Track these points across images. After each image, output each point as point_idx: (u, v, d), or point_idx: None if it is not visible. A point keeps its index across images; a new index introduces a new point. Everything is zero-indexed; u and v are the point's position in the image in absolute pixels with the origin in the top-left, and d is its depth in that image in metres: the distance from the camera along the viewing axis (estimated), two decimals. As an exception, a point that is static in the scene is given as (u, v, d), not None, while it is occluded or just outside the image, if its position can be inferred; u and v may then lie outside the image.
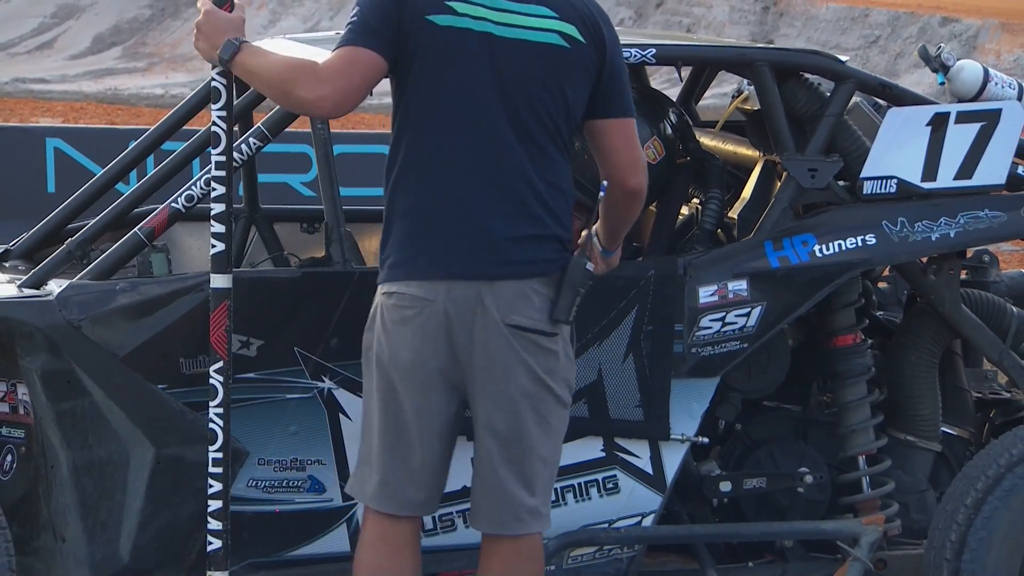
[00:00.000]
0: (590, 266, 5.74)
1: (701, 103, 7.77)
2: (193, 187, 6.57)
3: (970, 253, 7.36)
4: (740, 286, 6.65)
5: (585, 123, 5.79)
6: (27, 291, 6.59)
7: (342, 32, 5.76)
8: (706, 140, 7.31)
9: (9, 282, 6.79)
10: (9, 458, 6.59)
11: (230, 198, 6.11)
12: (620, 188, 5.82)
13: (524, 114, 5.72)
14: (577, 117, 5.78)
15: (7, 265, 7.15)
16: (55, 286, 6.54)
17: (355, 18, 5.71)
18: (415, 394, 5.80)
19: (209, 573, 6.14)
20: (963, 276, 7.31)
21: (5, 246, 7.36)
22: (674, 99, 7.51)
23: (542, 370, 5.75)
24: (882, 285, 7.23)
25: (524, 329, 5.72)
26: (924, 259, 6.95)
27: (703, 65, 7.68)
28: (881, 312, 7.21)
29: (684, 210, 7.15)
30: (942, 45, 7.41)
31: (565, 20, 5.70)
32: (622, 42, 6.84)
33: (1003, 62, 34.83)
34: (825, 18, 36.17)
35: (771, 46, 7.44)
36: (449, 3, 5.66)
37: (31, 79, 34.35)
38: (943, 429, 7.13)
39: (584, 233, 5.92)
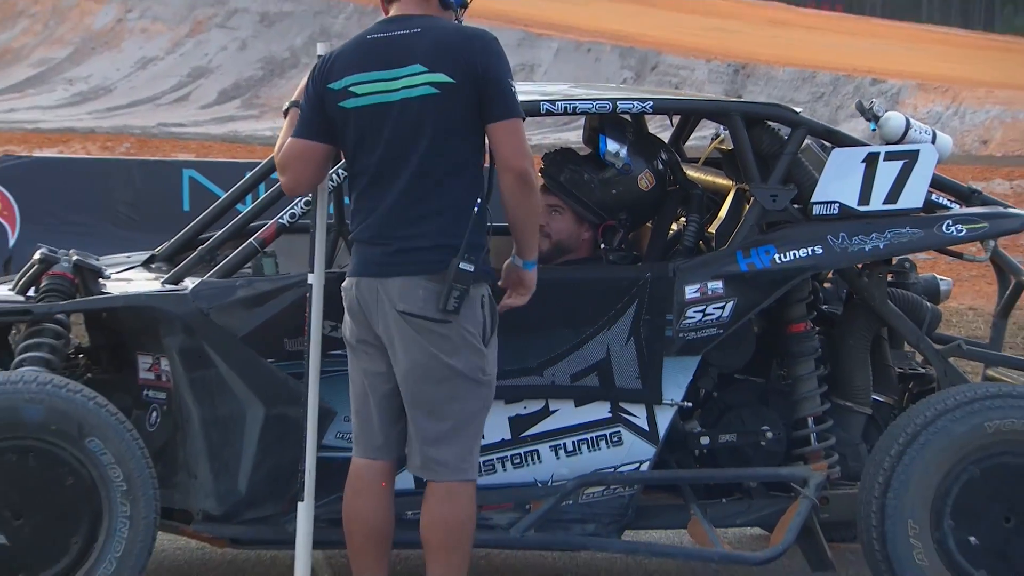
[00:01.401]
0: (467, 266, 5.68)
1: (688, 143, 7.74)
2: (295, 207, 6.60)
3: (895, 261, 7.33)
4: (717, 285, 6.62)
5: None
6: (168, 287, 6.61)
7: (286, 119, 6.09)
8: (691, 172, 7.27)
9: (154, 280, 6.80)
10: (155, 415, 6.59)
11: (323, 216, 6.16)
12: (507, 171, 5.73)
13: (415, 150, 5.76)
14: (468, 135, 5.79)
15: (152, 267, 7.16)
16: (189, 283, 6.56)
17: (301, 110, 5.99)
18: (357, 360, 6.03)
19: (299, 503, 6.18)
20: (889, 278, 7.28)
21: (151, 252, 7.36)
22: (666, 140, 7.49)
23: (434, 348, 5.77)
24: (827, 285, 7.19)
25: (412, 315, 5.76)
26: (860, 265, 6.92)
27: (689, 114, 7.65)
28: (826, 305, 7.16)
29: (674, 226, 7.11)
30: (874, 100, 7.37)
31: (434, 71, 5.71)
32: (628, 97, 6.86)
33: (919, 113, 34.76)
34: (782, 79, 36.14)
35: (741, 100, 7.39)
36: (350, 89, 5.79)
37: (171, 124, 34.41)
38: (873, 397, 7.10)
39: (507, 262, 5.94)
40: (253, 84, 40.63)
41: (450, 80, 5.71)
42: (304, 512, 6.19)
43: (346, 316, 6.01)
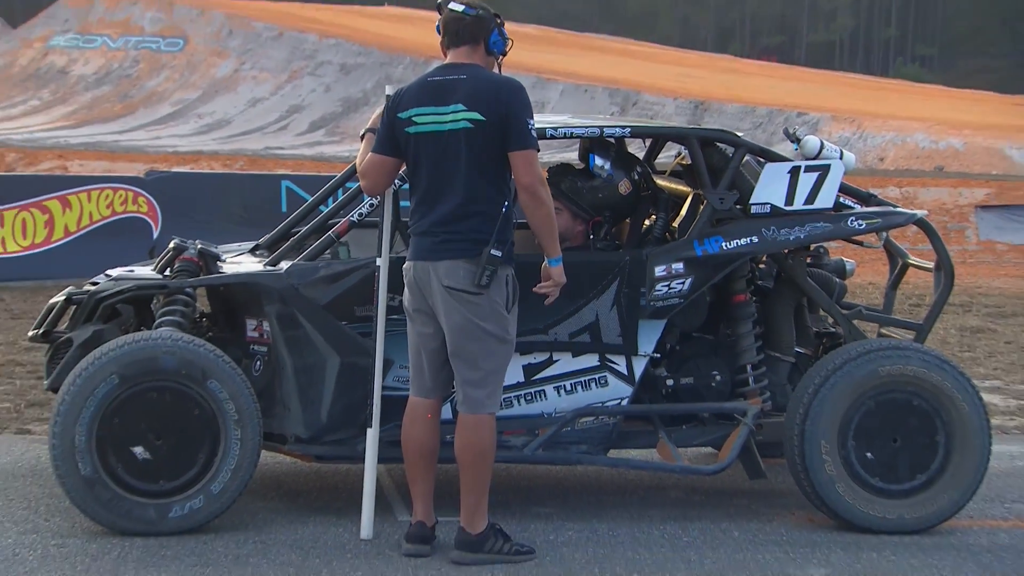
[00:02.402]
0: (496, 252, 5.72)
1: (658, 160, 7.70)
2: (362, 208, 6.60)
3: (812, 247, 7.30)
4: (679, 266, 6.60)
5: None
6: (268, 268, 6.59)
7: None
8: (660, 181, 7.24)
9: (258, 263, 6.79)
10: (259, 363, 6.57)
11: (390, 212, 6.20)
12: (522, 189, 5.74)
13: (459, 168, 5.77)
14: (496, 159, 5.77)
15: (257, 253, 7.14)
16: (284, 265, 6.54)
17: (369, 133, 6.11)
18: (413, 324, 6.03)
19: (368, 428, 6.19)
20: (808, 260, 7.25)
21: (256, 242, 7.35)
22: (641, 156, 7.46)
23: (471, 314, 5.79)
24: (762, 265, 7.14)
25: (454, 289, 5.77)
26: (786, 250, 6.88)
27: (658, 137, 7.60)
28: (762, 280, 7.12)
29: (647, 222, 7.08)
30: (796, 127, 7.35)
31: (471, 109, 5.72)
32: (612, 124, 6.83)
33: (831, 137, 34.65)
34: (730, 112, 36.06)
35: (698, 126, 7.32)
36: (413, 119, 5.82)
37: (275, 147, 34.42)
38: (796, 349, 7.07)
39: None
40: (335, 118, 40.58)
41: (482, 118, 5.71)
42: (372, 435, 6.20)
43: (405, 290, 6.00)
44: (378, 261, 6.16)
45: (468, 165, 5.75)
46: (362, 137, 6.21)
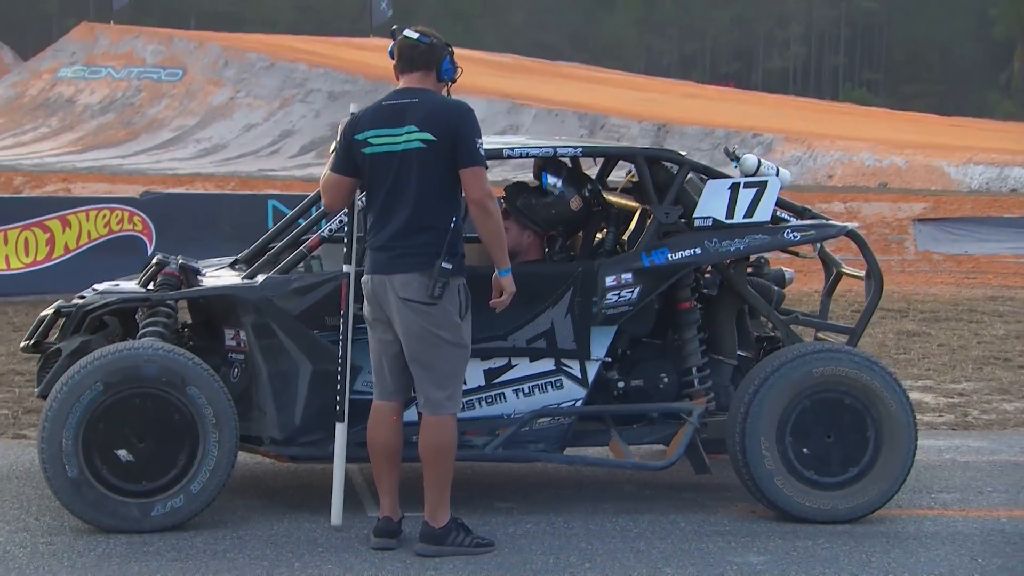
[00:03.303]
0: (447, 265, 5.68)
1: (610, 177, 7.66)
2: (332, 224, 6.58)
3: (753, 258, 7.28)
4: (628, 276, 6.57)
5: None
6: (244, 281, 6.56)
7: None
8: (611, 197, 7.20)
9: (236, 276, 6.75)
10: (236, 370, 6.53)
11: (356, 226, 6.14)
12: (472, 203, 5.74)
13: (411, 186, 5.75)
14: (447, 176, 5.75)
15: (236, 267, 7.09)
16: (261, 277, 6.49)
17: (334, 151, 6.01)
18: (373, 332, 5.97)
19: (338, 424, 6.15)
20: (749, 270, 7.23)
21: (235, 257, 7.31)
22: (594, 174, 7.44)
23: (426, 323, 5.75)
24: (707, 275, 7.10)
25: (410, 300, 5.74)
26: (728, 261, 6.86)
27: (607, 156, 7.56)
28: (706, 289, 7.09)
29: (599, 236, 7.05)
30: (736, 146, 7.34)
31: (423, 130, 5.72)
32: (564, 145, 6.82)
33: (783, 157, 34.73)
34: (691, 134, 36.11)
35: (644, 147, 7.33)
36: (369, 140, 5.79)
37: (267, 169, 34.35)
38: (739, 352, 7.05)
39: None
40: (324, 141, 40.42)
41: (433, 138, 5.71)
42: (340, 430, 6.17)
43: (365, 301, 5.97)
44: (346, 268, 6.13)
45: (420, 183, 5.73)
46: (331, 153, 6.17)
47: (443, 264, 5.69)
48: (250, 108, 42.08)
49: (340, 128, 6.02)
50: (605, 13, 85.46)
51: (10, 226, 13.38)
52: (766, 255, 7.37)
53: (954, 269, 18.56)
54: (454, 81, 5.95)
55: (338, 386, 6.15)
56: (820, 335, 7.42)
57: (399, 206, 5.77)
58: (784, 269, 7.46)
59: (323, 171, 6.08)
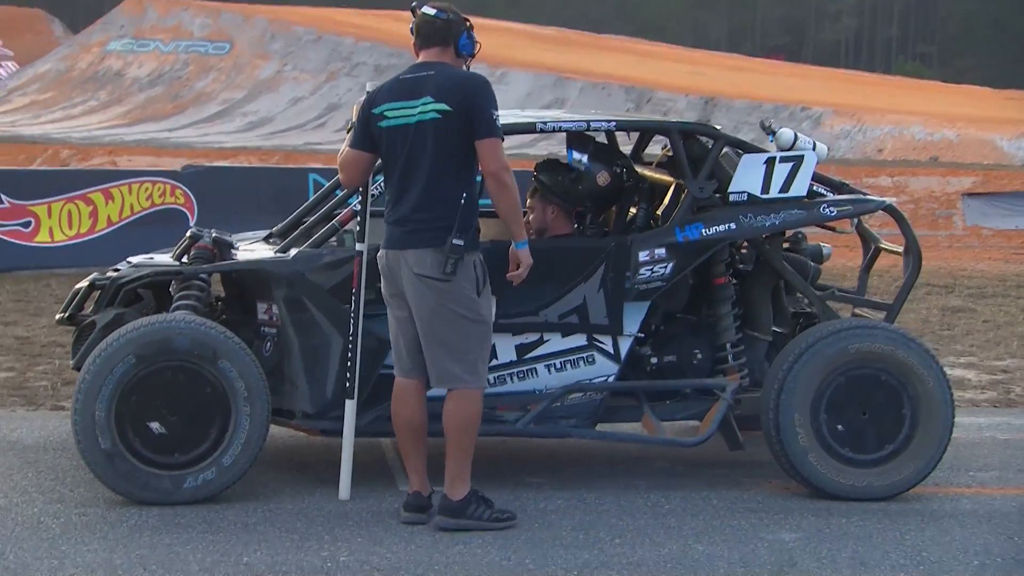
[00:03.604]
0: (458, 241, 5.65)
1: (646, 151, 7.63)
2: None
3: (790, 233, 7.24)
4: (661, 252, 6.54)
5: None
6: (276, 255, 6.57)
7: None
8: (646, 171, 7.18)
9: (270, 250, 6.76)
10: (269, 344, 6.54)
11: (367, 203, 6.19)
12: (488, 175, 5.72)
13: (425, 158, 5.72)
14: (461, 148, 5.72)
15: (271, 241, 7.11)
16: (293, 251, 6.50)
17: (352, 128, 5.99)
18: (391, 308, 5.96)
19: (348, 401, 6.19)
20: (786, 245, 7.18)
21: (270, 230, 7.33)
22: (630, 149, 7.41)
23: (441, 298, 5.74)
24: (744, 250, 7.06)
25: (423, 276, 5.72)
26: (763, 236, 6.81)
27: (641, 130, 7.52)
28: (742, 264, 7.05)
29: (632, 210, 7.01)
30: (771, 120, 7.28)
31: (439, 100, 5.70)
32: (598, 119, 6.78)
33: (833, 131, 34.50)
34: (738, 108, 35.88)
35: (679, 120, 7.30)
36: (385, 114, 5.78)
37: (313, 143, 34.39)
38: (774, 328, 7.01)
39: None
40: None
41: (449, 108, 5.69)
42: (350, 406, 6.20)
43: (382, 277, 5.97)
44: (358, 246, 6.12)
45: (434, 156, 5.71)
46: (349, 131, 6.16)
47: (455, 240, 5.67)
48: (296, 81, 42.16)
49: (355, 108, 6.02)
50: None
51: (54, 199, 13.48)
52: (803, 230, 7.31)
53: (1003, 244, 18.39)
54: (473, 56, 5.92)
55: (348, 363, 6.15)
56: (857, 311, 7.37)
57: (413, 180, 5.76)
58: (822, 244, 7.40)
59: (341, 148, 6.06)
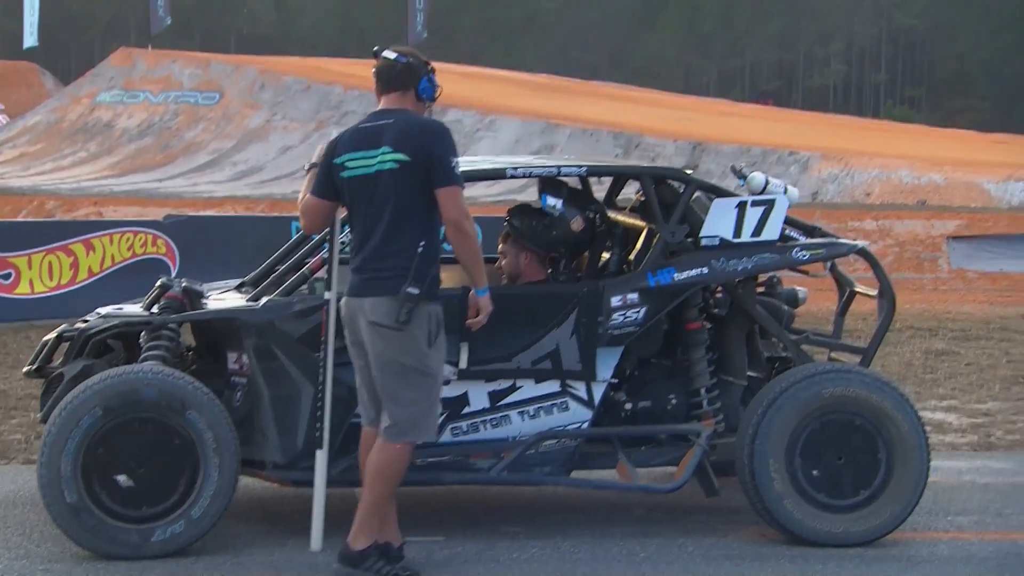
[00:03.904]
0: (413, 290, 5.58)
1: (621, 196, 7.59)
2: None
3: (764, 278, 7.20)
4: (634, 296, 6.50)
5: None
6: (246, 304, 6.52)
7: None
8: (619, 216, 7.14)
9: (241, 298, 6.71)
10: (239, 394, 6.49)
11: (336, 250, 6.09)
12: (447, 223, 5.68)
13: (382, 210, 5.70)
14: (421, 197, 5.67)
15: (242, 289, 7.06)
16: (263, 300, 6.46)
17: (310, 171, 5.97)
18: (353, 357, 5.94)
19: (318, 451, 6.11)
20: (761, 289, 7.15)
21: (242, 279, 7.29)
22: (603, 193, 7.39)
23: (391, 348, 5.67)
24: (719, 295, 7.01)
25: (376, 324, 5.66)
26: (736, 280, 6.78)
27: (612, 176, 7.47)
28: (717, 309, 6.99)
29: (605, 255, 6.96)
30: (743, 164, 7.26)
31: (397, 150, 5.65)
32: (569, 164, 6.75)
33: (821, 175, 34.52)
34: (727, 152, 35.77)
35: (650, 165, 7.24)
36: (345, 164, 5.74)
37: (300, 191, 34.20)
38: (749, 373, 6.96)
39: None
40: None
41: (407, 159, 5.64)
42: (320, 457, 6.09)
43: (344, 325, 5.92)
44: (326, 295, 6.06)
45: (394, 205, 5.67)
46: (306, 172, 6.10)
47: (409, 289, 5.60)
48: (286, 130, 42.10)
49: (319, 148, 5.98)
50: (646, 31, 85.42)
51: (34, 250, 13.43)
52: (778, 274, 7.27)
53: (988, 287, 18.37)
54: (434, 100, 5.89)
55: (318, 412, 6.09)
56: (834, 355, 7.32)
57: (374, 229, 5.70)
58: (797, 288, 7.35)
59: (301, 191, 6.01)
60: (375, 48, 5.88)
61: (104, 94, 46.34)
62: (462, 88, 37.03)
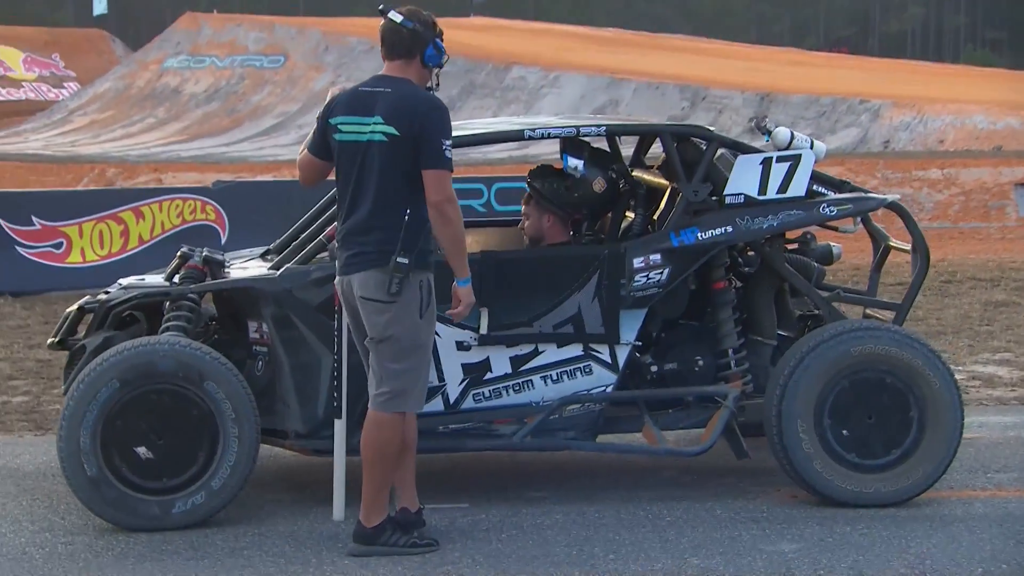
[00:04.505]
0: (403, 260, 5.48)
1: (649, 154, 7.48)
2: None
3: (797, 234, 7.09)
4: (656, 257, 6.41)
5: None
6: (264, 272, 6.52)
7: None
8: (644, 176, 7.05)
9: (263, 267, 6.70)
10: (260, 363, 6.48)
11: None
12: (430, 206, 5.52)
13: (368, 181, 5.58)
14: (407, 173, 5.55)
15: (267, 258, 7.05)
16: (283, 269, 6.44)
17: (313, 132, 5.80)
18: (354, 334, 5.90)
19: (336, 420, 6.10)
20: (795, 246, 7.04)
21: (267, 247, 7.29)
22: (632, 151, 7.31)
23: (382, 320, 5.57)
24: (750, 253, 6.90)
25: (367, 299, 5.59)
26: (763, 238, 6.67)
27: (631, 135, 7.30)
28: (748, 268, 6.90)
29: (629, 215, 6.88)
30: (767, 118, 7.13)
31: (388, 123, 5.53)
32: (587, 123, 6.66)
33: (893, 122, 34.01)
34: (795, 102, 35.26)
35: (671, 123, 7.11)
36: (339, 127, 5.64)
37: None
38: (779, 332, 6.85)
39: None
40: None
41: (396, 132, 5.53)
42: (339, 426, 6.10)
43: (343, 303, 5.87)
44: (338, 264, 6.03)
45: (380, 177, 5.56)
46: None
47: (398, 259, 5.50)
48: (351, 92, 42.19)
49: (330, 92, 5.87)
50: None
51: (85, 219, 13.51)
52: (813, 230, 7.16)
53: (1058, 236, 18.05)
54: (440, 66, 5.76)
55: (335, 383, 6.07)
56: (868, 312, 7.20)
57: (361, 199, 5.60)
58: (832, 244, 7.22)
59: (301, 146, 5.95)
60: (380, 7, 5.75)
61: (171, 60, 46.64)
62: (526, 44, 36.95)
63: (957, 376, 9.07)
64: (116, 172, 21.66)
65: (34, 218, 13.39)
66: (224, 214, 13.81)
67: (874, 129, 33.53)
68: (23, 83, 53.68)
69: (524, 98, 36.42)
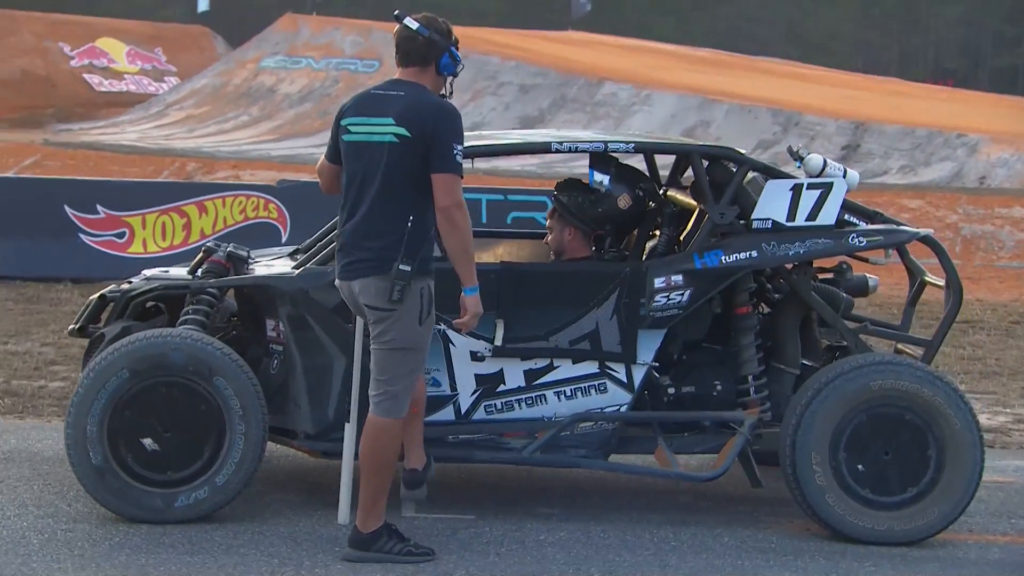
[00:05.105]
0: (405, 267, 5.45)
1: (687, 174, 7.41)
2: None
3: (833, 263, 7.00)
4: (678, 278, 6.35)
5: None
6: (283, 271, 6.55)
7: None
8: (678, 195, 7.00)
9: (289, 265, 6.72)
10: (275, 362, 6.50)
11: None
12: (438, 211, 5.49)
13: (373, 183, 5.55)
14: (415, 177, 5.51)
15: (295, 256, 7.07)
16: (302, 269, 6.46)
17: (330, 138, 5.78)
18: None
19: (346, 424, 6.10)
20: (829, 275, 6.95)
21: (297, 246, 7.32)
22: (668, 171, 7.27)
23: (382, 326, 5.57)
24: (781, 280, 6.81)
25: (369, 306, 5.56)
26: (790, 265, 6.59)
27: (661, 153, 7.16)
28: (777, 294, 6.83)
29: (656, 234, 6.82)
30: (800, 145, 7.04)
31: (399, 124, 5.49)
32: (616, 139, 6.62)
33: (990, 159, 33.50)
34: (890, 132, 34.78)
35: (702, 144, 7.02)
36: (349, 128, 5.63)
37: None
38: (803, 362, 6.75)
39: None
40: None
41: (408, 135, 5.49)
42: (349, 430, 6.09)
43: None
44: None
45: (385, 180, 5.52)
46: None
47: (401, 266, 5.47)
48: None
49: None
50: (824, 6, 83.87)
51: (149, 210, 13.67)
52: (849, 260, 7.06)
53: None
54: (455, 75, 5.73)
55: (349, 385, 6.07)
56: (900, 346, 7.07)
57: (361, 203, 5.57)
58: (868, 276, 7.11)
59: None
60: (396, 12, 5.73)
61: (268, 59, 47.06)
62: (619, 61, 36.88)
63: (1002, 418, 9.01)
64: (196, 167, 21.89)
65: (99, 207, 13.56)
66: (287, 213, 13.89)
67: (970, 164, 33.02)
68: (125, 75, 54.43)
69: (615, 114, 36.28)
